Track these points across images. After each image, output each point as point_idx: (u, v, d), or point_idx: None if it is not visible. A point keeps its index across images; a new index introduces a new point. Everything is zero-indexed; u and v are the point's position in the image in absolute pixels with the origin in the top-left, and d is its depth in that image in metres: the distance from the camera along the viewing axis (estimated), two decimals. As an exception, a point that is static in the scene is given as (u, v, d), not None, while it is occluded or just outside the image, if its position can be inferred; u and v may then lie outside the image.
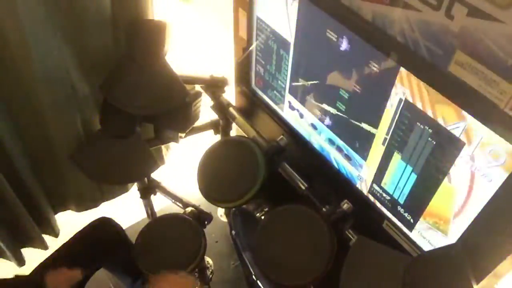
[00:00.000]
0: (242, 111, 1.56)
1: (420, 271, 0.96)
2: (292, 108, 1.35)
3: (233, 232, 1.70)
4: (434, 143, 0.90)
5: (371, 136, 1.07)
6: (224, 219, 2.02)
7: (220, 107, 1.60)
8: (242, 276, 1.80)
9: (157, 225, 1.56)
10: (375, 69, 0.96)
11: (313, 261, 1.14)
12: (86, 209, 1.81)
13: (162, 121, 1.55)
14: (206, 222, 1.65)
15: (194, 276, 1.31)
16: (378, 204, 1.15)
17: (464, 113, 0.81)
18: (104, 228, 1.48)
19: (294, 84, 1.28)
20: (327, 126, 1.22)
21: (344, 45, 1.02)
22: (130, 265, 1.54)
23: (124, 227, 1.55)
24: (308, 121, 1.30)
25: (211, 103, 1.61)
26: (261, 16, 1.27)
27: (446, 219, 0.96)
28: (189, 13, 1.67)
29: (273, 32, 1.25)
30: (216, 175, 1.42)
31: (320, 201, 1.26)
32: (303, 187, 1.32)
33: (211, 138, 1.74)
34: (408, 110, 0.93)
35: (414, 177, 0.99)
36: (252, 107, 1.54)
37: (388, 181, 1.08)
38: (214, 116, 1.67)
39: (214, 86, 1.58)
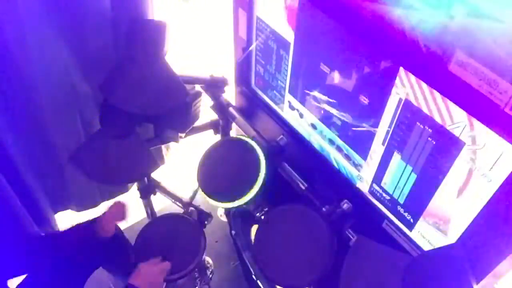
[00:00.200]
0: (242, 111, 1.56)
1: (420, 271, 0.96)
2: (292, 108, 1.35)
3: (233, 232, 1.70)
4: (434, 143, 0.90)
5: (371, 136, 1.07)
6: (224, 219, 2.02)
7: (220, 107, 1.60)
8: (242, 276, 1.80)
9: (157, 225, 1.56)
10: (375, 69, 0.96)
11: (313, 261, 1.14)
12: (86, 209, 1.81)
13: (162, 121, 1.55)
14: (206, 222, 1.65)
15: (165, 262, 1.35)
16: (378, 204, 1.15)
17: (464, 113, 0.81)
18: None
19: (293, 84, 1.28)
20: (327, 126, 1.22)
21: (344, 45, 1.02)
22: (130, 265, 1.54)
23: (124, 227, 1.55)
24: (308, 121, 1.30)
25: (211, 103, 1.61)
26: (261, 16, 1.27)
27: (446, 219, 0.96)
28: (189, 13, 1.67)
29: (273, 32, 1.25)
30: (216, 175, 1.42)
31: (320, 201, 1.26)
32: (303, 187, 1.32)
33: (211, 138, 1.74)
34: (408, 110, 0.93)
35: (414, 177, 0.99)
36: (252, 107, 1.54)
37: (388, 181, 1.08)
38: (214, 116, 1.67)
39: (214, 86, 1.57)
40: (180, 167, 2.03)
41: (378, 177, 1.11)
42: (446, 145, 0.88)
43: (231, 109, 1.57)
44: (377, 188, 1.13)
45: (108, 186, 1.80)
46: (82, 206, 1.80)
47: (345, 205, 1.22)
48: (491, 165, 0.81)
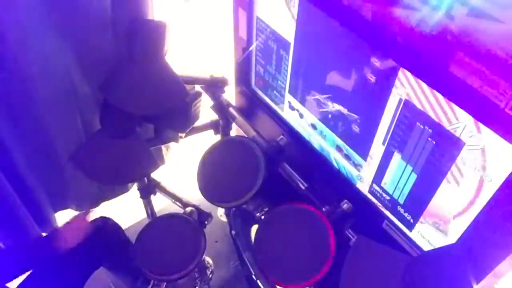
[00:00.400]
0: (242, 111, 1.56)
1: (420, 271, 0.96)
2: (292, 108, 1.35)
3: (233, 232, 1.70)
4: (434, 143, 0.90)
5: (371, 136, 1.07)
6: (224, 219, 2.02)
7: (220, 107, 1.60)
8: (242, 276, 1.80)
9: (157, 225, 1.56)
10: (375, 69, 0.96)
11: (313, 261, 1.14)
12: (86, 209, 1.81)
13: (162, 121, 1.55)
14: (206, 222, 1.65)
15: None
16: (378, 204, 1.15)
17: (464, 113, 0.81)
18: (104, 228, 1.48)
19: (293, 84, 1.28)
20: (327, 126, 1.22)
21: (344, 45, 1.02)
22: (130, 265, 1.54)
23: (124, 227, 1.55)
24: (308, 121, 1.30)
25: (211, 103, 1.61)
26: (261, 16, 1.27)
27: (446, 219, 0.96)
28: (189, 13, 1.67)
29: (273, 32, 1.25)
30: (216, 175, 1.43)
31: (320, 201, 1.26)
32: (303, 187, 1.32)
33: (211, 138, 1.74)
34: (408, 110, 0.93)
35: (414, 177, 0.99)
36: (252, 107, 1.54)
37: (388, 181, 1.08)
38: (214, 116, 1.67)
39: (214, 86, 1.57)
40: (180, 167, 2.03)
41: (378, 177, 1.11)
42: (446, 145, 0.88)
43: (231, 109, 1.57)
44: (377, 188, 1.13)
45: (108, 186, 1.80)
46: (82, 206, 1.80)
47: (345, 205, 1.22)
48: (491, 165, 0.81)
